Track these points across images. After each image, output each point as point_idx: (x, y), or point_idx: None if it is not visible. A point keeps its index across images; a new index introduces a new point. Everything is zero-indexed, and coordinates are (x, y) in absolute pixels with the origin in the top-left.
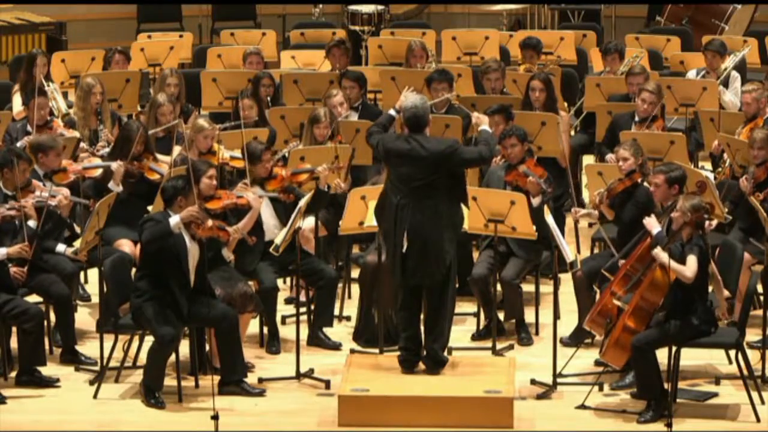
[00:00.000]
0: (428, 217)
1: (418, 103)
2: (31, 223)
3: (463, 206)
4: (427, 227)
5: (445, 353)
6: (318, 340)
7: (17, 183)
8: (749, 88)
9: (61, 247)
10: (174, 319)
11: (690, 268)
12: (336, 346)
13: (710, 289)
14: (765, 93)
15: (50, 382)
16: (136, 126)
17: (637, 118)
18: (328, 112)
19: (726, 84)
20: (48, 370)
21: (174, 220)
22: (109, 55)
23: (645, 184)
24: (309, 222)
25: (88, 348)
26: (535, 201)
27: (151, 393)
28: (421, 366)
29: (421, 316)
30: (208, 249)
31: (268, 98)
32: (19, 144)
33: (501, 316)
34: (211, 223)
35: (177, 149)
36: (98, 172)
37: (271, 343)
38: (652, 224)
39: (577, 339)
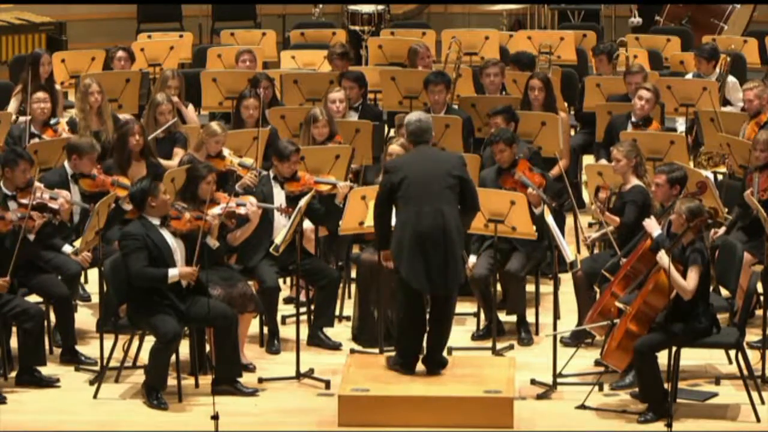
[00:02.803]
0: (448, 226)
1: (422, 116)
2: (31, 236)
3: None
4: (449, 236)
5: (445, 353)
6: (318, 340)
7: (18, 183)
8: (750, 85)
9: (67, 248)
10: (174, 318)
11: (690, 283)
12: (336, 346)
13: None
14: (766, 90)
15: (50, 382)
16: (131, 122)
17: (633, 119)
18: (324, 111)
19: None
20: (48, 370)
21: (172, 273)
22: (111, 53)
23: (641, 183)
24: (310, 222)
25: (88, 348)
26: (537, 209)
27: (154, 393)
28: (421, 366)
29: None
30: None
31: (267, 100)
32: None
33: (501, 316)
34: (189, 216)
35: (180, 152)
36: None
37: (271, 342)
38: (653, 226)
39: (577, 339)
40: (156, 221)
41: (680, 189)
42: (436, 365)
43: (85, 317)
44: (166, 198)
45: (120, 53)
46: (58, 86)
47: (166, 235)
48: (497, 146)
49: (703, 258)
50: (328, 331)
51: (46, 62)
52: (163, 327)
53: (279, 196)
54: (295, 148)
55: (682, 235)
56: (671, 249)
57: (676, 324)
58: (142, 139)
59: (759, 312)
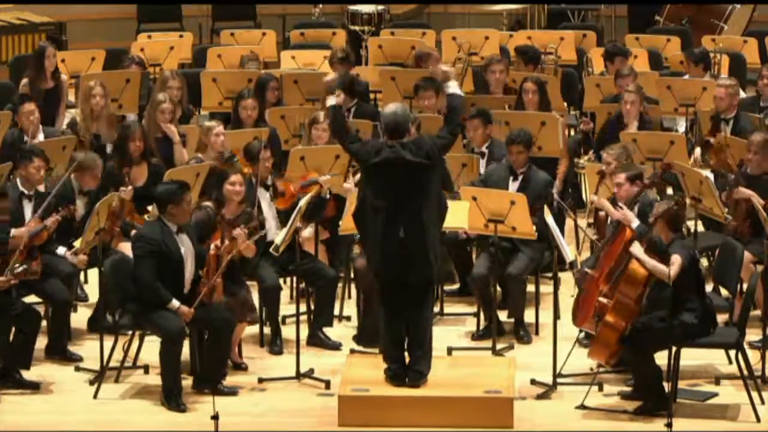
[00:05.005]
0: (422, 217)
1: (398, 110)
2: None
3: (447, 197)
4: (423, 226)
5: (444, 354)
6: (318, 340)
7: (33, 181)
8: (726, 83)
9: (61, 250)
10: (177, 317)
11: (673, 268)
12: (336, 346)
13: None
14: (739, 91)
15: (32, 385)
16: (133, 126)
17: (626, 120)
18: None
19: None
20: (48, 370)
21: (174, 304)
22: (125, 63)
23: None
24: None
25: (89, 348)
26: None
27: (173, 397)
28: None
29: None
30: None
31: (274, 101)
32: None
33: (501, 316)
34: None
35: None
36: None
37: (274, 342)
38: (630, 218)
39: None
40: (173, 227)
41: (640, 185)
42: (419, 376)
43: (85, 317)
44: (189, 209)
45: (134, 67)
46: (64, 77)
47: (181, 242)
48: (515, 147)
49: (687, 251)
50: (328, 331)
51: (51, 55)
52: (166, 324)
53: (264, 198)
54: (263, 144)
55: (654, 223)
56: (644, 239)
57: (671, 321)
58: (143, 144)
59: (755, 312)
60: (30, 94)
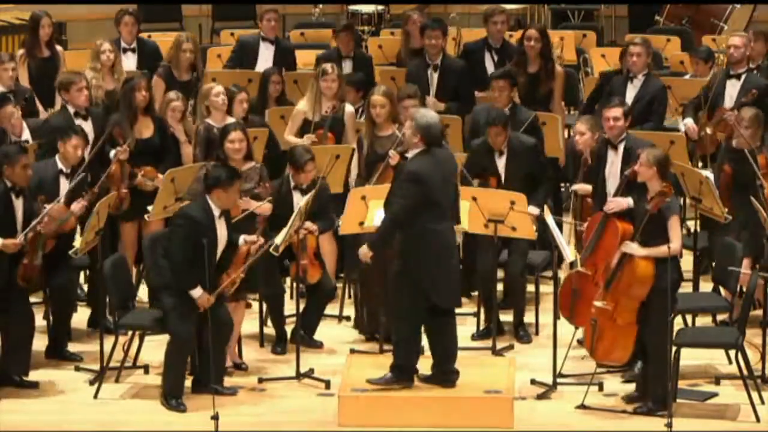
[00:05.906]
0: (455, 240)
1: (432, 116)
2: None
3: None
4: (456, 250)
5: None
6: (299, 338)
7: (70, 159)
8: (744, 34)
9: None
10: (191, 315)
11: (674, 233)
12: (317, 345)
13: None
14: (753, 41)
15: (31, 385)
16: (137, 77)
17: (630, 74)
18: (336, 67)
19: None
20: (48, 370)
21: (196, 292)
22: (119, 16)
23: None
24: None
25: (89, 348)
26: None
27: (173, 397)
28: (418, 369)
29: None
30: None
31: (276, 95)
32: None
33: (501, 316)
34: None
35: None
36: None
37: (278, 344)
38: (622, 203)
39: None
40: (216, 211)
41: (630, 122)
42: (448, 380)
43: (85, 317)
44: (236, 197)
45: (126, 18)
46: (59, 48)
47: (220, 228)
48: (494, 129)
49: (678, 206)
50: (329, 331)
51: (47, 24)
52: (178, 326)
53: (296, 200)
54: (310, 157)
55: (639, 173)
56: (637, 234)
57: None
58: (149, 95)
59: (757, 312)
60: (30, 64)
